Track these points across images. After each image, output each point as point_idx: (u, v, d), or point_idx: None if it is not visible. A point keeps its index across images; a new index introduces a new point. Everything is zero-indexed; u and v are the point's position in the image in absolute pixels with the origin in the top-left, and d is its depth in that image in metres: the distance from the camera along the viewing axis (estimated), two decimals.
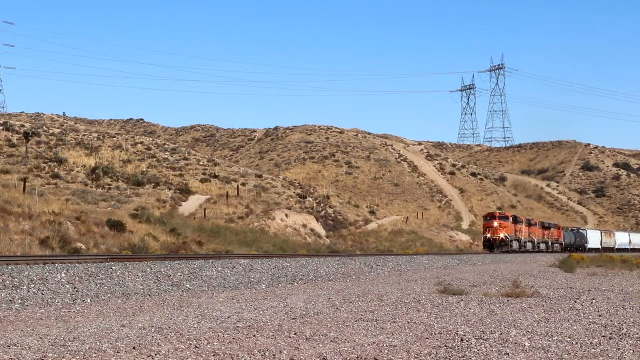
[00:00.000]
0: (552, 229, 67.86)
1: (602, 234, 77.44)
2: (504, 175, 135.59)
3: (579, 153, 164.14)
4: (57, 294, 12.73)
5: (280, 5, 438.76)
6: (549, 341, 8.40)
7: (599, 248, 72.32)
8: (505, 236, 55.23)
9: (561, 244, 68.40)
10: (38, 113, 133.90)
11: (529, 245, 60.02)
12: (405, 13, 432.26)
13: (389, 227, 70.38)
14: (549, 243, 65.78)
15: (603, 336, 8.89)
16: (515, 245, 56.82)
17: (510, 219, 57.59)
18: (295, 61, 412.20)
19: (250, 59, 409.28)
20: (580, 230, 75.24)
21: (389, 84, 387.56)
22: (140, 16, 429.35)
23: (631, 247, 79.77)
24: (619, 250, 73.53)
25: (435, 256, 37.25)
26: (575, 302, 13.28)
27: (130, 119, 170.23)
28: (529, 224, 61.99)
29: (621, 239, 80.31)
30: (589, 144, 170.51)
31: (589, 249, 70.22)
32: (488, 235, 56.17)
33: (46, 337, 8.11)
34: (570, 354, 7.62)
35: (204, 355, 7.19)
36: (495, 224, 55.73)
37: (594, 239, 74.21)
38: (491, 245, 55.34)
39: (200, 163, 75.43)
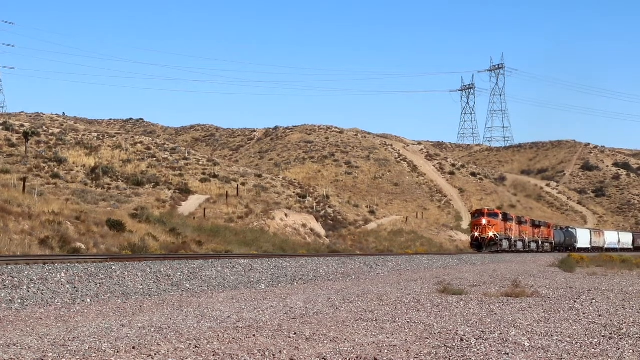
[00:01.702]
0: (542, 227, 64.63)
1: (592, 233, 76.31)
2: (503, 175, 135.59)
3: (579, 153, 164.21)
4: (57, 294, 12.72)
5: (280, 5, 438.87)
6: (549, 341, 8.40)
7: (588, 248, 70.88)
8: (494, 235, 51.59)
9: (551, 243, 65.82)
10: (38, 113, 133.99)
11: (519, 245, 56.76)
12: (405, 13, 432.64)
13: (388, 227, 70.41)
14: (540, 242, 62.89)
15: (603, 336, 8.89)
16: (505, 244, 53.17)
17: (500, 216, 53.93)
18: (295, 61, 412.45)
19: (250, 59, 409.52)
20: (570, 229, 73.34)
21: (389, 84, 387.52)
22: (140, 16, 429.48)
23: (620, 246, 78.94)
24: (608, 250, 72.44)
25: (435, 256, 37.24)
26: (575, 302, 13.28)
27: (130, 118, 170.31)
28: (520, 221, 58.82)
29: (610, 238, 79.41)
30: (589, 144, 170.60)
31: (578, 248, 68.41)
32: (476, 234, 52.55)
33: (46, 337, 8.10)
34: (570, 353, 7.62)
35: (203, 355, 7.19)
36: (484, 221, 52.06)
37: (583, 238, 72.83)
38: (479, 245, 51.90)
39: (200, 163, 75.44)
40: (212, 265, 18.90)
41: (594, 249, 70.77)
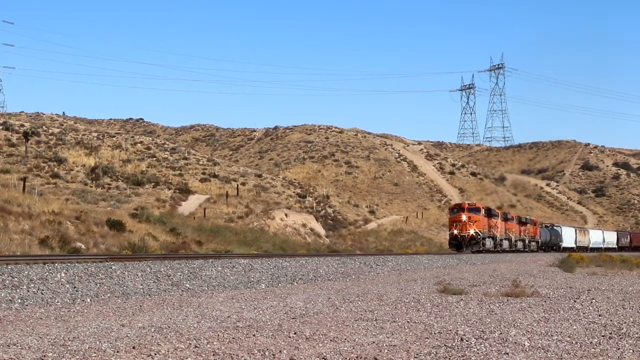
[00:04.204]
0: (528, 225, 60.11)
1: (577, 232, 74.64)
2: (503, 175, 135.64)
3: (579, 153, 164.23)
4: (57, 293, 12.72)
5: (280, 5, 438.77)
6: (549, 341, 8.40)
7: (573, 247, 68.92)
8: (476, 232, 46.17)
9: (538, 242, 62.26)
10: (38, 113, 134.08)
11: (505, 244, 51.70)
12: (405, 13, 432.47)
13: (388, 227, 70.44)
14: (527, 241, 58.49)
15: (603, 336, 8.89)
16: (489, 243, 47.87)
17: (483, 211, 48.33)
18: (295, 61, 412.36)
19: (250, 59, 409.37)
20: (555, 228, 70.91)
21: (389, 84, 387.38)
22: (140, 16, 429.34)
23: (605, 246, 77.86)
24: (593, 249, 71.15)
25: (435, 256, 37.20)
26: (575, 301, 13.28)
27: (130, 118, 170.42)
28: (505, 218, 53.69)
29: (595, 237, 78.24)
30: (589, 144, 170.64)
31: (563, 247, 66.02)
32: (455, 231, 46.75)
33: (46, 337, 8.10)
34: (570, 353, 7.62)
35: (203, 355, 7.19)
36: (464, 217, 46.46)
37: (568, 237, 70.92)
38: (459, 244, 46.44)
39: (200, 163, 75.45)
40: (212, 265, 18.90)
41: (579, 249, 69.11)
